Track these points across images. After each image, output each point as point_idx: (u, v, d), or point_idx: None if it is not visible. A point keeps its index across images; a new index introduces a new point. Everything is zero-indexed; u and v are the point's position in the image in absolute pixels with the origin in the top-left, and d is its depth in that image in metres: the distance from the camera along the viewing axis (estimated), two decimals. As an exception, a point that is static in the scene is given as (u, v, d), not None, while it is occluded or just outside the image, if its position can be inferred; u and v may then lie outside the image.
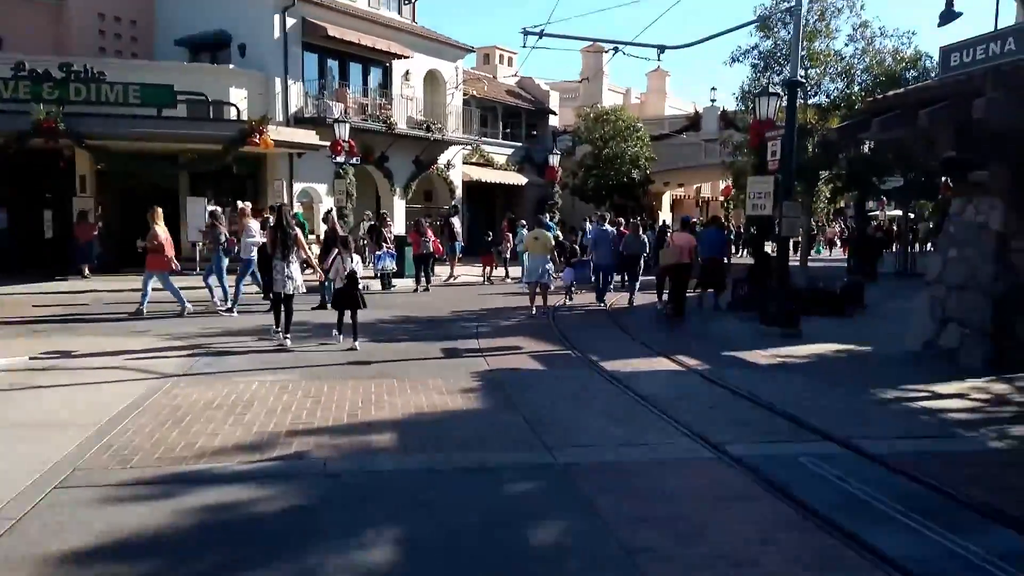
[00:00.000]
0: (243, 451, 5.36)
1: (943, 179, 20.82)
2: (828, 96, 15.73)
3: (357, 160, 18.84)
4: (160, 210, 12.33)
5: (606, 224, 15.98)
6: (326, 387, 7.31)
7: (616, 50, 11.86)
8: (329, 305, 10.85)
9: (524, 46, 12.27)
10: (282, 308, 9.85)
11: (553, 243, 13.92)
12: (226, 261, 13.18)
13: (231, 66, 20.65)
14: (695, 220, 31.75)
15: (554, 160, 27.01)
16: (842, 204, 31.57)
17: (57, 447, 5.31)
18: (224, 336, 10.34)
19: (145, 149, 18.55)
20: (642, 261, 15.51)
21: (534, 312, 13.22)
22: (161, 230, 12.01)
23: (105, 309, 12.54)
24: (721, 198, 40.07)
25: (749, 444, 5.74)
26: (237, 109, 19.40)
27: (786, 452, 5.56)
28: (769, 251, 13.98)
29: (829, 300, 13.88)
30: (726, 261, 13.71)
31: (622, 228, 16.05)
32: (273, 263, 9.94)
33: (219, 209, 14.01)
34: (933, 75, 15.21)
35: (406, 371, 8.21)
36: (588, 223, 22.96)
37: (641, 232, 15.77)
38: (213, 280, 13.02)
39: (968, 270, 9.32)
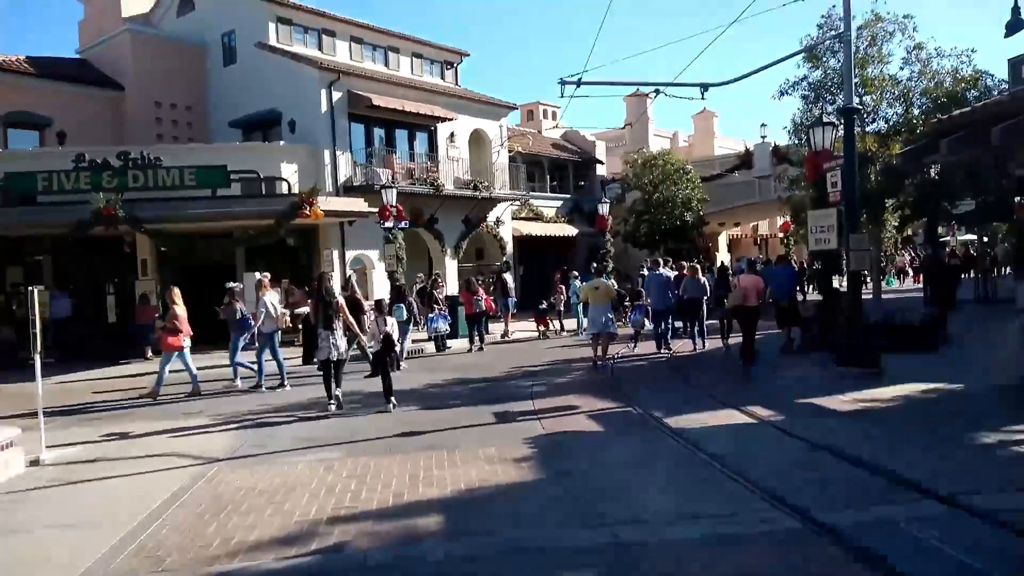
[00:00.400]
0: (280, 544, 4.99)
1: (1017, 199, 19.65)
2: (887, 121, 15.02)
3: (406, 224, 18.87)
4: (177, 289, 12.32)
5: (661, 268, 15.53)
6: (372, 464, 6.94)
7: (657, 92, 11.55)
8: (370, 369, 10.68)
9: (562, 96, 11.89)
10: (331, 375, 10.00)
11: (615, 292, 13.63)
12: (245, 338, 12.87)
13: (281, 142, 21.17)
14: (757, 259, 30.87)
15: (603, 209, 26.60)
16: (909, 232, 30.20)
17: (92, 548, 5.05)
18: (275, 413, 10.14)
19: (202, 229, 18.98)
20: (704, 305, 14.94)
21: (598, 363, 12.83)
22: (181, 310, 12.04)
23: (165, 391, 12.52)
24: (780, 234, 38.95)
25: (838, 509, 5.08)
26: (288, 183, 19.77)
27: (882, 516, 4.88)
28: (837, 286, 13.19)
29: (908, 334, 12.92)
30: (800, 298, 13.01)
31: (683, 271, 15.56)
32: (317, 332, 10.11)
33: (239, 285, 13.87)
34: (996, 93, 14.42)
35: (456, 440, 7.79)
36: (644, 268, 22.48)
37: (700, 275, 15.27)
38: (241, 357, 12.81)
39: (1066, 295, 8.45)
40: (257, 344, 12.93)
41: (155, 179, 18.62)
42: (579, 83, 11.29)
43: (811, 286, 22.75)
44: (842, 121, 11.49)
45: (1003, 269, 27.77)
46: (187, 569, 4.67)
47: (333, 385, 10.02)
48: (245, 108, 22.80)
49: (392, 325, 9.99)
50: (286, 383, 12.13)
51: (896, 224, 19.11)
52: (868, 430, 7.32)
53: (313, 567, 4.61)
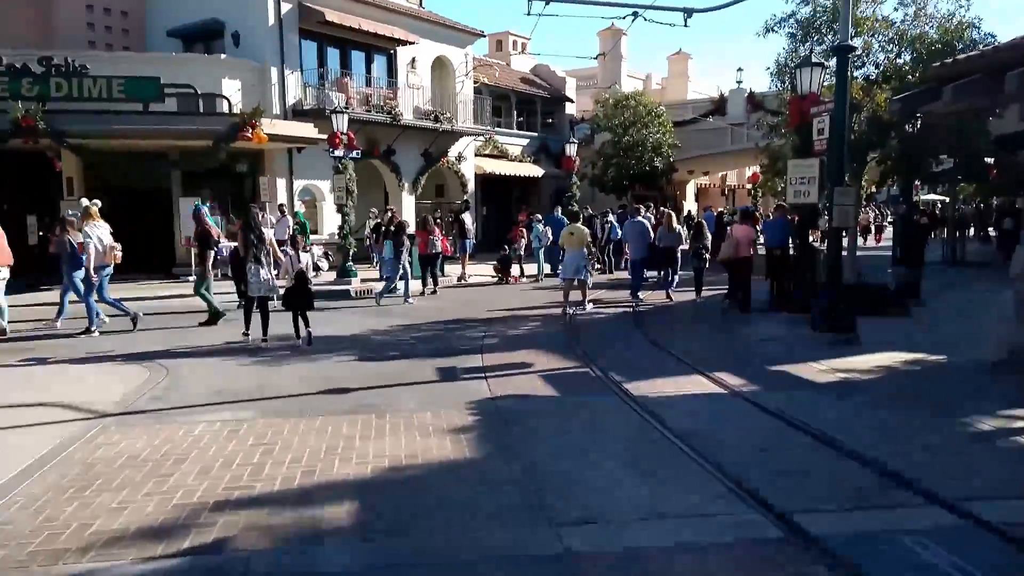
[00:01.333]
0: (147, 538, 4.01)
1: (990, 160, 19.05)
2: (877, 67, 14.03)
3: (358, 154, 17.49)
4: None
5: (640, 215, 14.85)
6: (287, 428, 5.95)
7: (636, 15, 10.36)
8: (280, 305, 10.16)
9: (529, 13, 10.60)
10: (255, 311, 9.79)
11: (589, 237, 13.34)
12: (80, 275, 10.85)
13: (223, 56, 19.39)
14: (723, 210, 30.12)
15: (571, 150, 25.39)
16: (873, 189, 29.72)
17: (-95, 534, 4.01)
18: (193, 354, 9.05)
19: (133, 147, 17.38)
20: (679, 254, 14.49)
21: (569, 311, 12.43)
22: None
23: (73, 325, 11.26)
24: (748, 185, 38.27)
25: (826, 513, 4.27)
26: (229, 102, 18.14)
27: (882, 527, 4.08)
28: (813, 243, 12.41)
29: (882, 296, 12.29)
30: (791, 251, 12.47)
31: (661, 219, 15.05)
32: (247, 266, 9.61)
33: (76, 213, 12.04)
34: (981, 46, 13.50)
35: (390, 401, 6.84)
36: (610, 215, 21.59)
37: (675, 223, 14.75)
38: (76, 295, 10.99)
39: (1067, 264, 7.72)
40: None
41: (80, 89, 16.83)
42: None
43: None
44: (834, 60, 10.50)
45: (968, 230, 27.51)
46: (19, 571, 3.67)
47: (255, 321, 9.82)
48: (187, 16, 20.82)
49: (306, 261, 9.90)
50: (94, 327, 10.63)
51: (877, 180, 18.38)
52: (849, 407, 6.56)
53: (176, 573, 3.64)
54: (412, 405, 6.65)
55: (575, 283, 12.78)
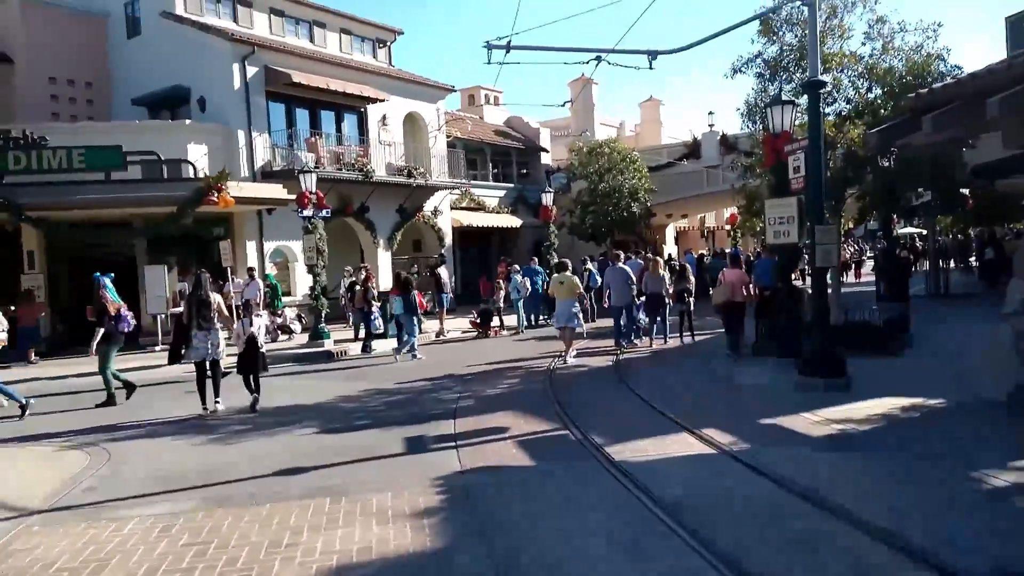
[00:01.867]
0: None
1: (966, 191, 18.97)
2: (848, 102, 13.91)
3: (328, 212, 17.09)
4: None
5: (622, 261, 14.70)
6: (228, 521, 5.32)
7: (599, 59, 10.10)
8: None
9: (489, 62, 10.32)
10: (208, 378, 9.58)
11: (580, 287, 13.59)
12: None
13: (188, 121, 19.10)
14: (703, 253, 29.92)
15: (548, 199, 25.23)
16: (851, 225, 29.72)
17: None
18: (140, 433, 8.39)
19: (95, 217, 16.90)
20: (667, 300, 14.27)
21: (567, 359, 12.68)
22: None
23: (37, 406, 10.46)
24: (727, 227, 38.26)
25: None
26: (193, 167, 17.76)
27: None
28: (797, 282, 12.03)
29: (872, 335, 11.86)
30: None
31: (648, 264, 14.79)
32: (192, 333, 9.53)
33: None
34: (949, 79, 13.43)
35: (349, 481, 6.22)
36: (589, 263, 21.26)
37: (661, 268, 14.55)
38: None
39: (1064, 295, 7.33)
40: None
41: (40, 161, 16.40)
42: (508, 47, 9.75)
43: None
44: (805, 97, 10.26)
45: (949, 262, 27.42)
46: None
47: (209, 391, 9.54)
48: (152, 84, 20.63)
49: (260, 327, 9.78)
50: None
51: (855, 216, 18.19)
52: (850, 465, 6.03)
53: None
54: (373, 485, 6.03)
55: (565, 331, 12.95)
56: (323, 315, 16.41)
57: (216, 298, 9.91)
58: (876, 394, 8.57)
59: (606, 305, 14.67)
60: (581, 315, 13.28)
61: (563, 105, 24.66)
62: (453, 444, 7.37)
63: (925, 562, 4.04)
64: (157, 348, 16.39)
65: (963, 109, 7.38)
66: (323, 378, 12.48)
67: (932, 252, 21.59)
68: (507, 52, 9.69)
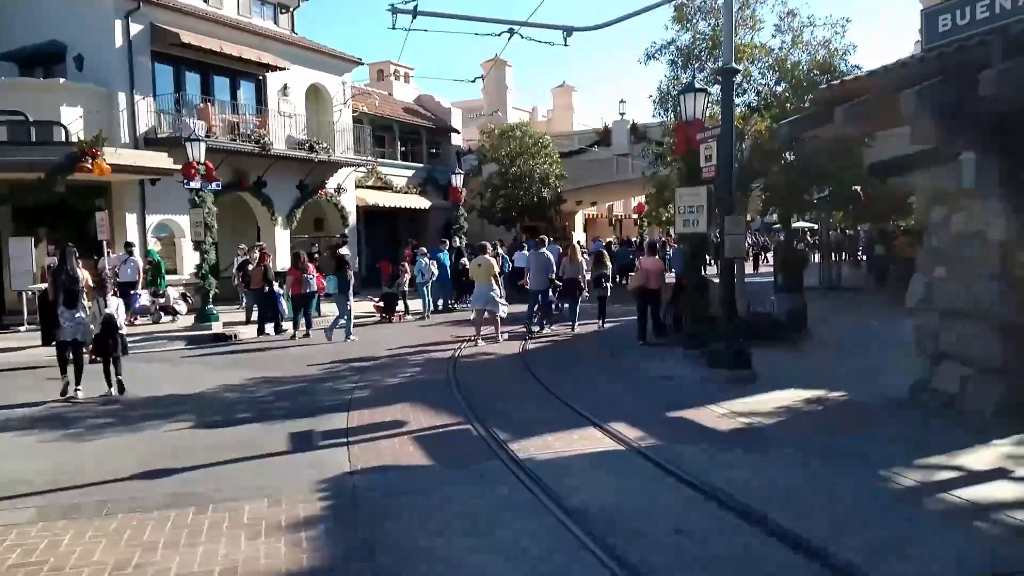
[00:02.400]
0: None
1: (857, 188, 19.63)
2: (758, 94, 13.98)
3: (218, 185, 15.88)
4: None
5: (544, 248, 14.50)
6: (69, 535, 4.55)
7: (512, 32, 9.58)
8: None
9: (394, 27, 9.58)
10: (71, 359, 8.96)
11: (497, 269, 13.50)
12: None
13: (61, 80, 17.31)
14: (611, 240, 30.09)
15: (458, 180, 24.64)
16: (748, 218, 30.57)
17: None
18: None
19: (-52, 182, 15.05)
20: (581, 285, 14.26)
21: (478, 343, 12.69)
22: None
23: None
24: (635, 215, 38.76)
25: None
26: (66, 130, 16.10)
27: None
28: (704, 275, 12.01)
29: (773, 327, 11.98)
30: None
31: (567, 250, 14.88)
32: (58, 310, 8.95)
33: None
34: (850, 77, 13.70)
35: (221, 484, 5.52)
36: (499, 247, 20.86)
37: (579, 254, 14.73)
38: None
39: (964, 292, 7.41)
40: None
41: None
42: (415, 12, 9.07)
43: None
44: (717, 86, 10.13)
45: (840, 255, 28.60)
46: None
47: (71, 373, 8.91)
48: (23, 39, 18.60)
49: (118, 307, 9.11)
50: None
51: (760, 209, 18.49)
52: (760, 463, 5.82)
53: None
54: (247, 491, 5.36)
55: (485, 314, 12.90)
56: (211, 295, 15.26)
57: (84, 275, 9.38)
58: (780, 386, 8.54)
59: (527, 287, 14.40)
60: (501, 299, 13.15)
61: (474, 81, 23.86)
62: (345, 440, 6.76)
63: (837, 572, 3.80)
64: (22, 328, 14.83)
65: (876, 102, 7.32)
66: (207, 364, 11.51)
67: (826, 246, 22.36)
68: (413, 18, 9.02)
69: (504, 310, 13.29)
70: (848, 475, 5.44)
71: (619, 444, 6.40)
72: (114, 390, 8.91)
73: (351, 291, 14.24)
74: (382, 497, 5.21)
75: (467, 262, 20.33)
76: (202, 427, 7.40)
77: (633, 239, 32.76)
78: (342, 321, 13.95)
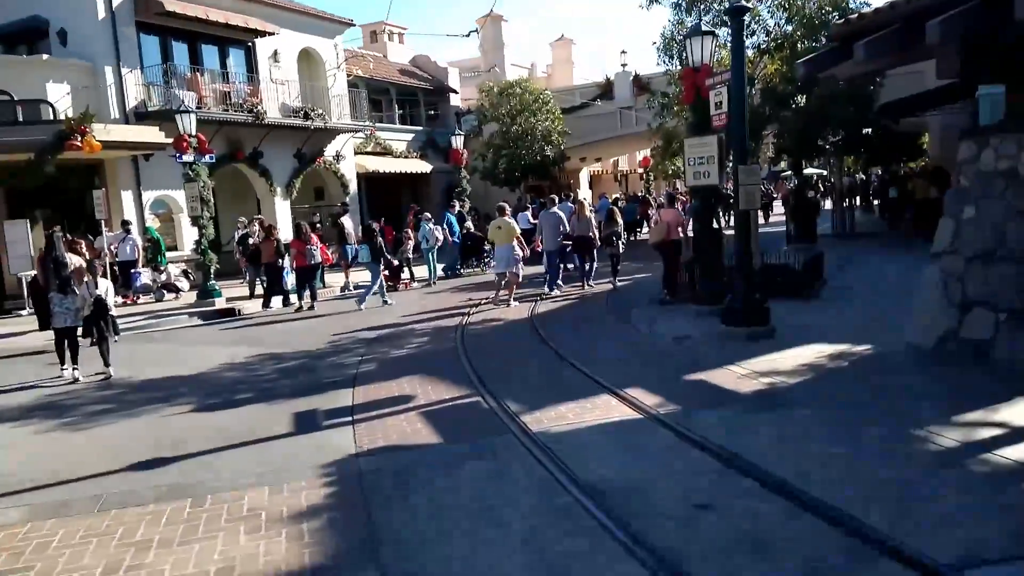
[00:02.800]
0: None
1: (867, 131, 18.99)
2: (767, 33, 13.34)
3: (212, 158, 15.45)
4: None
5: (555, 207, 14.46)
6: (59, 535, 4.31)
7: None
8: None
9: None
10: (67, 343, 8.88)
11: (518, 230, 13.39)
12: None
13: (45, 57, 16.81)
14: (617, 196, 29.56)
15: (458, 142, 24.08)
16: (765, 166, 29.93)
17: None
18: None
19: (-63, 166, 14.71)
20: (593, 242, 14.19)
21: (497, 303, 12.75)
22: None
23: None
24: (640, 170, 38.06)
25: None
26: (53, 108, 15.67)
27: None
28: (718, 227, 11.55)
29: (789, 279, 11.58)
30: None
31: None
32: (49, 296, 8.88)
33: None
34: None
35: (221, 473, 5.27)
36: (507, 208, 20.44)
37: (587, 211, 14.57)
38: None
39: (994, 234, 6.99)
40: None
41: None
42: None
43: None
44: (723, 30, 9.57)
45: (853, 200, 27.98)
46: None
47: (68, 358, 8.87)
48: (3, 16, 18.01)
49: (107, 289, 8.96)
50: None
51: (772, 156, 17.94)
52: (787, 429, 5.49)
53: None
54: (248, 479, 5.10)
55: (507, 275, 12.85)
56: (212, 271, 14.96)
57: (74, 259, 9.19)
58: (801, 341, 8.20)
59: (538, 249, 14.28)
60: (519, 258, 13.02)
61: (468, 35, 23.32)
62: (350, 419, 6.48)
63: (892, 553, 3.49)
64: (24, 312, 14.63)
65: (897, 35, 6.82)
66: (211, 342, 11.26)
67: (839, 192, 21.78)
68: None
69: (520, 271, 13.16)
70: (882, 437, 5.12)
71: (636, 412, 6.10)
72: (111, 369, 8.86)
73: (383, 258, 14.33)
74: (389, 481, 4.94)
75: (471, 226, 20.04)
76: (201, 411, 7.15)
77: (640, 194, 32.20)
78: (375, 288, 14.01)
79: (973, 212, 7.30)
